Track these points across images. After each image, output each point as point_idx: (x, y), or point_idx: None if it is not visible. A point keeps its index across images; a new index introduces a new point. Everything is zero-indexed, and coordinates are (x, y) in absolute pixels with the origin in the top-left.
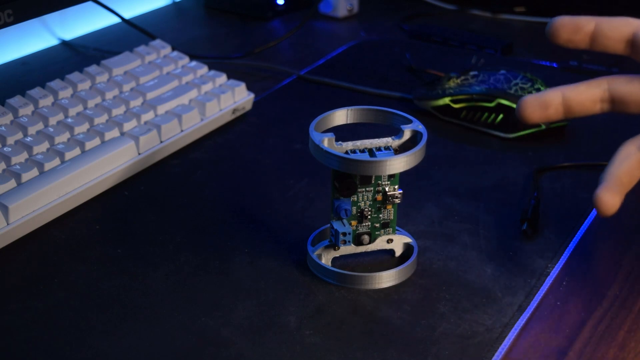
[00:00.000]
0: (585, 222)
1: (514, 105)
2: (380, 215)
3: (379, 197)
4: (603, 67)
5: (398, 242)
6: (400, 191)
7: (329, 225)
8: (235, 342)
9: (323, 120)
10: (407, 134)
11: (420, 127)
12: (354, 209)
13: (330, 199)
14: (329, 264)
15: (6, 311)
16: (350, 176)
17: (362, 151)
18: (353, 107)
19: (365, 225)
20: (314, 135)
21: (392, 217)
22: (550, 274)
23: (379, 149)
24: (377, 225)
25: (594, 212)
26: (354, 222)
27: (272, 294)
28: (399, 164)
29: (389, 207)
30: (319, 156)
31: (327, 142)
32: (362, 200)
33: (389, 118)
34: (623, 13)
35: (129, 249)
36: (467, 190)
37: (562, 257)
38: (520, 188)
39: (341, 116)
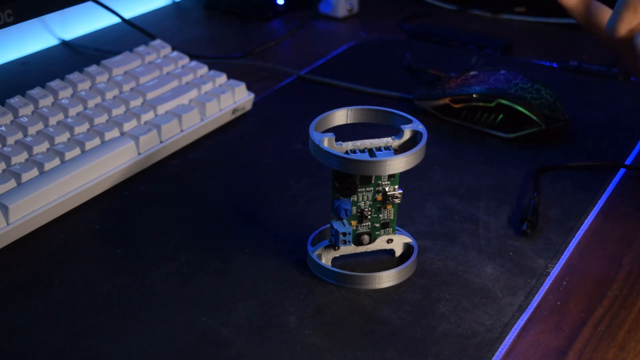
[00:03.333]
0: (585, 222)
1: (514, 105)
2: (380, 215)
3: (379, 197)
4: (603, 67)
5: (398, 242)
6: (400, 191)
7: (329, 225)
8: (235, 342)
9: (323, 120)
10: (407, 134)
11: (420, 127)
12: (354, 209)
13: (330, 199)
14: (329, 264)
15: (6, 311)
16: (350, 176)
17: (362, 151)
18: (353, 107)
19: (365, 225)
20: (314, 135)
21: (392, 217)
22: (550, 274)
23: (379, 149)
24: (377, 225)
25: (594, 212)
26: (354, 222)
27: (272, 294)
28: (399, 164)
29: (389, 207)
30: (319, 156)
31: (327, 142)
32: (362, 200)
33: (389, 118)
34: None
35: (129, 249)
36: (467, 190)
37: (562, 257)
38: (520, 188)
39: (341, 116)
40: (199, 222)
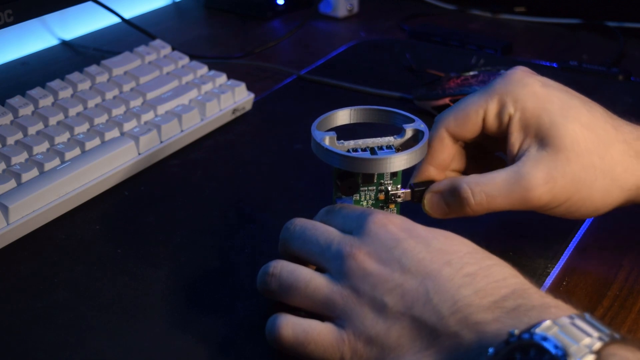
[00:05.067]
0: (585, 222)
1: None
2: None
3: (382, 196)
4: (603, 67)
5: None
6: (403, 190)
7: None
8: (235, 342)
9: (326, 119)
10: (409, 133)
11: (422, 126)
12: None
13: (333, 198)
14: None
15: (6, 311)
16: (352, 175)
17: (364, 150)
18: (356, 107)
19: None
20: (316, 134)
21: None
22: (550, 274)
23: (380, 147)
24: None
25: None
26: None
27: None
28: (400, 162)
29: (392, 206)
30: (321, 154)
31: (328, 140)
32: (365, 200)
33: (392, 117)
34: (621, 12)
35: (129, 249)
36: None
37: (562, 257)
38: None
39: (344, 115)
40: (199, 222)
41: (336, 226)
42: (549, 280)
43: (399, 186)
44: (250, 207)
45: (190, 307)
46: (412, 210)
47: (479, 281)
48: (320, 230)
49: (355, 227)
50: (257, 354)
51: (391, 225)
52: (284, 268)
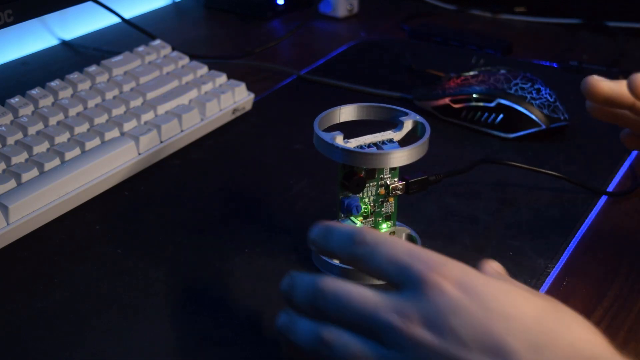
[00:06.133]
0: (585, 222)
1: (514, 105)
2: (383, 209)
3: (382, 190)
4: (603, 67)
5: (399, 234)
6: (403, 182)
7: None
8: (235, 342)
9: (323, 119)
10: (407, 125)
11: (418, 117)
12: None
13: (338, 198)
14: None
15: (6, 311)
16: (357, 172)
17: (369, 146)
18: (346, 105)
19: (370, 221)
20: (322, 133)
21: (392, 210)
22: (550, 274)
23: (383, 142)
24: (380, 219)
25: (593, 213)
26: (360, 219)
27: (272, 294)
28: (401, 157)
29: (391, 199)
30: (330, 153)
31: (337, 139)
32: (367, 196)
33: (385, 113)
34: (621, 12)
35: (129, 249)
36: (467, 190)
37: (562, 257)
38: (520, 188)
39: (334, 115)
40: (199, 222)
41: (369, 271)
42: (549, 280)
43: (396, 179)
44: (250, 207)
45: (190, 307)
46: (410, 210)
47: (547, 355)
48: (355, 295)
49: (403, 282)
50: (257, 354)
51: (447, 283)
52: (339, 339)
